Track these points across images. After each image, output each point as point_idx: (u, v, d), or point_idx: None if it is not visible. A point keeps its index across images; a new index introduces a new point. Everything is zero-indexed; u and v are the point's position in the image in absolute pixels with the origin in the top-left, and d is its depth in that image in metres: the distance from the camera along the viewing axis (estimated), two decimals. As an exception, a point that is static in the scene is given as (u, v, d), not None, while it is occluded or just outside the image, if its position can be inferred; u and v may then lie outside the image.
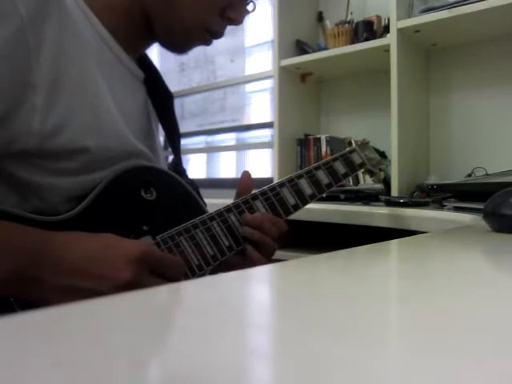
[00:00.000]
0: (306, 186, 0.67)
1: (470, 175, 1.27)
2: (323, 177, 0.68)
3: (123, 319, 0.18)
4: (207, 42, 0.62)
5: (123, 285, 0.42)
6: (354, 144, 0.76)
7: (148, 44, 0.63)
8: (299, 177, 0.67)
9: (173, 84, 2.28)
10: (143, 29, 0.59)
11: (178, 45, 0.62)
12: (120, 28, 0.56)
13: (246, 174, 0.66)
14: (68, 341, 0.15)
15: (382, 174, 0.76)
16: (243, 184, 0.65)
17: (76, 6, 0.51)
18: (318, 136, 1.63)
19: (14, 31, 0.42)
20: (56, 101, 0.45)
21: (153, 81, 0.65)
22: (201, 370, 0.13)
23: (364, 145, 0.78)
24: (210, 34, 0.60)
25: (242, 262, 0.60)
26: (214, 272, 0.59)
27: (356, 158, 0.73)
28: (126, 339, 0.16)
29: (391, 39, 1.31)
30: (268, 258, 0.61)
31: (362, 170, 0.76)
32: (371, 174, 0.79)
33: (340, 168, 0.71)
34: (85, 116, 0.48)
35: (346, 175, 0.71)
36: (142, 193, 0.54)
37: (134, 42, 0.59)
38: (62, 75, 0.46)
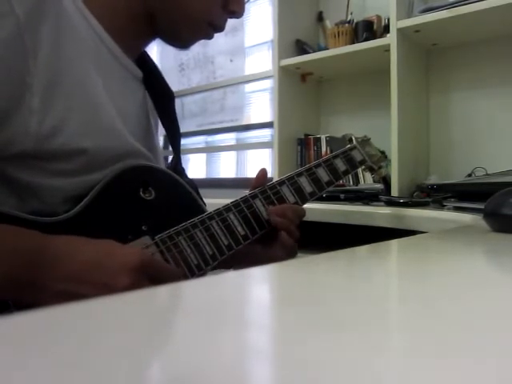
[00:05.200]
0: (306, 184, 0.67)
1: (470, 175, 1.27)
2: (323, 174, 0.68)
3: (123, 319, 0.18)
4: (209, 36, 0.62)
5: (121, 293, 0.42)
6: (354, 141, 0.76)
7: (147, 42, 0.63)
8: (299, 175, 0.67)
9: (173, 84, 2.27)
10: (144, 26, 0.58)
11: (182, 40, 0.62)
12: (119, 27, 0.56)
13: (263, 171, 0.67)
14: (68, 341, 0.15)
15: (384, 171, 0.76)
16: (258, 181, 0.65)
17: (73, 5, 0.51)
18: (318, 136, 1.63)
19: (10, 32, 0.42)
20: (53, 102, 0.45)
21: (153, 79, 0.65)
22: (201, 370, 0.13)
23: (365, 141, 0.78)
24: (212, 28, 0.61)
25: (269, 250, 0.63)
26: (234, 263, 0.61)
27: (357, 155, 0.73)
28: (125, 339, 0.16)
29: (391, 39, 1.31)
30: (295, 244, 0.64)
31: (363, 166, 0.76)
32: (372, 170, 0.79)
33: (340, 165, 0.71)
34: (82, 117, 0.48)
35: (346, 172, 0.71)
36: (141, 193, 0.54)
37: (133, 40, 0.59)
38: (59, 76, 0.46)
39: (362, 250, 0.37)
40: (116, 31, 0.55)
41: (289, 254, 0.64)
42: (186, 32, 0.60)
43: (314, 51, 1.57)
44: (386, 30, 1.40)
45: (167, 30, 0.60)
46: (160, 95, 0.67)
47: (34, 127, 0.44)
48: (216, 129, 2.33)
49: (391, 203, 1.03)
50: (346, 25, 1.52)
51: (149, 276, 0.45)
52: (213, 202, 0.68)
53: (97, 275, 0.42)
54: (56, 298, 0.41)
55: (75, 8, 0.51)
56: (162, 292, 0.24)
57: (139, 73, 0.61)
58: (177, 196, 0.59)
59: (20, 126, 0.44)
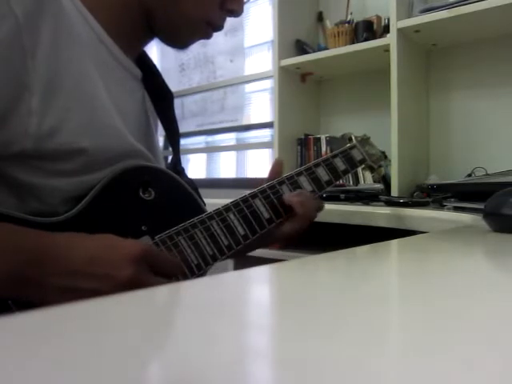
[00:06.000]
0: (305, 184, 0.67)
1: (470, 175, 1.27)
2: (323, 174, 0.68)
3: (123, 319, 0.18)
4: (208, 36, 0.62)
5: (124, 284, 0.42)
6: (354, 140, 0.76)
7: (146, 42, 0.63)
8: (299, 174, 0.67)
9: (173, 84, 2.28)
10: (142, 26, 0.58)
11: (180, 40, 0.62)
12: (118, 26, 0.56)
13: (278, 161, 0.68)
14: (68, 341, 0.15)
15: (383, 170, 0.76)
16: (274, 170, 0.67)
17: (72, 5, 0.51)
18: (318, 136, 1.63)
19: (9, 32, 0.42)
20: (52, 102, 0.45)
21: (152, 80, 0.65)
22: (200, 371, 0.13)
23: (364, 140, 0.78)
24: (211, 27, 0.60)
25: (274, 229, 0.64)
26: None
27: (356, 154, 0.73)
28: (125, 339, 0.16)
29: (391, 39, 1.31)
30: (301, 230, 0.66)
31: (363, 166, 0.76)
32: (371, 169, 0.79)
33: (340, 164, 0.71)
34: (82, 116, 0.48)
35: (345, 172, 0.71)
36: (141, 193, 0.54)
37: (132, 40, 0.59)
38: (58, 76, 0.46)
39: (362, 250, 0.37)
40: (114, 30, 0.55)
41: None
42: (184, 32, 0.60)
43: (314, 51, 1.57)
44: (386, 30, 1.40)
45: (165, 29, 0.59)
46: (159, 95, 0.67)
47: (33, 127, 0.44)
48: (216, 129, 2.33)
49: (391, 203, 1.03)
50: (346, 25, 1.52)
51: (150, 266, 0.45)
52: (213, 201, 0.68)
53: (99, 268, 0.42)
54: (60, 294, 0.41)
55: (74, 7, 0.51)
56: (162, 292, 0.24)
57: (138, 73, 0.61)
58: (177, 196, 0.59)
59: (19, 126, 0.44)
